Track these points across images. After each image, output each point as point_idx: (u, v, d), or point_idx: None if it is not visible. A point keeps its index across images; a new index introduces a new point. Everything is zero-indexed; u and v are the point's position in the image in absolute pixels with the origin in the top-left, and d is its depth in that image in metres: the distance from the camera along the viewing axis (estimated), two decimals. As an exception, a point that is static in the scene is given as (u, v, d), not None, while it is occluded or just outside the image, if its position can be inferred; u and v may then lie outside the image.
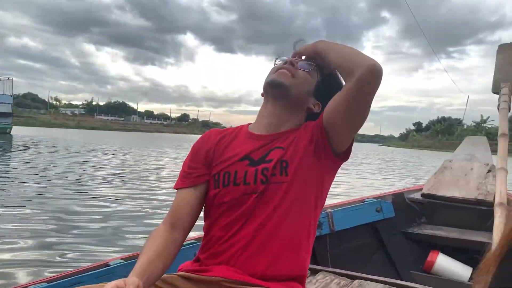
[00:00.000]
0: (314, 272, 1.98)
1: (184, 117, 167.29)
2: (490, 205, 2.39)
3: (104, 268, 1.48)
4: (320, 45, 1.19)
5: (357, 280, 1.85)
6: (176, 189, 1.20)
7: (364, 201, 2.68)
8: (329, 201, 2.62)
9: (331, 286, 1.80)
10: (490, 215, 1.84)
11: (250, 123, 1.29)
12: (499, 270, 0.57)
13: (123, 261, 1.54)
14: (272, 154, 1.14)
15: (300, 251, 1.13)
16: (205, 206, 1.19)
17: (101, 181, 8.91)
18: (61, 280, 1.38)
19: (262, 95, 1.27)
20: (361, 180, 12.50)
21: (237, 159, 1.16)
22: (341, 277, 1.89)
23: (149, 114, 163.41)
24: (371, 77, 1.02)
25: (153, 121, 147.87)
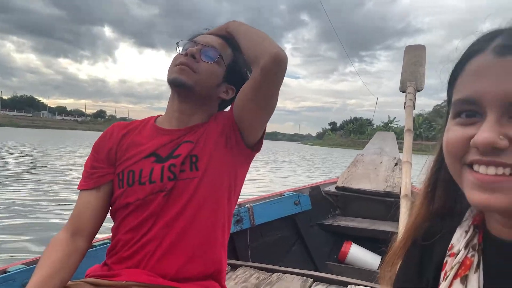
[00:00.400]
0: (234, 267, 1.96)
1: (101, 113, 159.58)
2: (397, 196, 2.56)
3: (2, 275, 1.34)
4: (232, 25, 1.13)
5: (276, 273, 1.87)
6: (79, 190, 1.10)
7: (283, 195, 2.73)
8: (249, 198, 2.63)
9: (251, 280, 1.80)
10: (397, 206, 1.97)
11: (159, 115, 1.20)
12: (404, 262, 0.59)
13: (25, 266, 1.40)
14: (181, 149, 1.07)
15: (215, 247, 1.08)
16: (111, 208, 1.10)
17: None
18: None
19: None
20: (283, 178, 12.72)
21: (142, 156, 1.08)
22: (260, 271, 1.90)
23: (61, 110, 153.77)
24: (274, 66, 0.98)
25: (66, 118, 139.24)
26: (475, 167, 0.44)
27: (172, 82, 1.10)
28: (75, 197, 1.14)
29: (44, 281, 0.91)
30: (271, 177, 12.22)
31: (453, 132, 0.47)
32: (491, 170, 0.43)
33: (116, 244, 1.06)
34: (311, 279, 1.81)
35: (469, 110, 0.45)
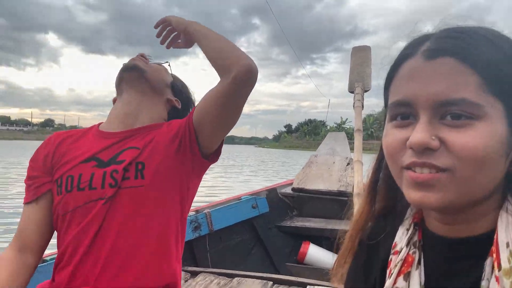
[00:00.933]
0: (194, 274, 1.94)
1: (49, 122, 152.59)
2: (350, 195, 2.64)
3: None
4: (193, 27, 1.07)
5: (236, 278, 1.87)
6: (23, 205, 1.05)
7: (241, 199, 2.74)
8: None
9: (211, 286, 1.80)
10: (350, 205, 2.03)
11: (102, 122, 1.15)
12: (353, 261, 0.61)
13: None
14: (125, 154, 1.01)
15: (170, 259, 1.03)
16: (53, 218, 1.04)
17: None
18: None
19: (114, 100, 1.16)
20: (243, 183, 12.37)
21: (81, 159, 1.02)
22: (221, 276, 1.90)
23: (5, 120, 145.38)
24: (247, 77, 0.97)
25: (10, 128, 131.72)
26: (412, 167, 0.46)
27: (124, 68, 1.12)
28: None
29: None
30: (230, 183, 12.11)
31: (391, 135, 0.48)
32: (426, 170, 0.44)
33: (61, 257, 0.99)
34: (271, 282, 1.83)
35: (404, 113, 0.47)
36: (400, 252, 0.52)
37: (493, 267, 0.43)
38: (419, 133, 0.44)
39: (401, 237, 0.54)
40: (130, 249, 0.97)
